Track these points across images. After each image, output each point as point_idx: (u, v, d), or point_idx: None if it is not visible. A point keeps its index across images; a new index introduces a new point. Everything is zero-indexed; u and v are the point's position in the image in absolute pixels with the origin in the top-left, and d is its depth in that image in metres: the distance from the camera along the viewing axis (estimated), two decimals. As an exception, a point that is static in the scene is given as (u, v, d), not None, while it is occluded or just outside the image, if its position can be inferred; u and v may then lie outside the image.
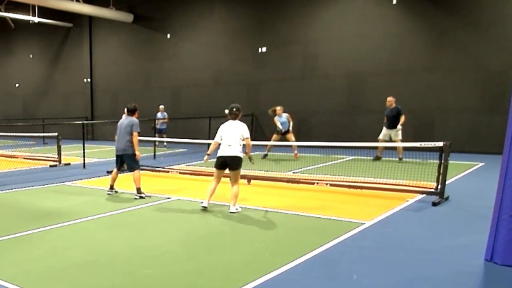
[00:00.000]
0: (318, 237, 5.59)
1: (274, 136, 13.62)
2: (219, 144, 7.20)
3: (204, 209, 7.11)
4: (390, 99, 12.63)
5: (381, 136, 12.68)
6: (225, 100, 19.06)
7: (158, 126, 17.35)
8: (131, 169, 8.40)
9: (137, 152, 8.29)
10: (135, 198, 8.14)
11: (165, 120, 18.20)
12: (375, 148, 12.88)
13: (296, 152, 13.38)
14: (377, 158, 12.75)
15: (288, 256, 4.89)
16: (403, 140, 12.24)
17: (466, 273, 4.48)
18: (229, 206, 7.09)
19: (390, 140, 12.50)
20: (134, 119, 8.38)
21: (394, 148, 12.62)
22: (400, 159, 12.32)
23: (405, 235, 5.77)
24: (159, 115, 18.36)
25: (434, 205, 7.25)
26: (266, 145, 13.69)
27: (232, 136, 7.05)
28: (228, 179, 9.52)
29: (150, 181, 9.76)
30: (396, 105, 12.54)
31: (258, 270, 4.51)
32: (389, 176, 9.22)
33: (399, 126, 12.31)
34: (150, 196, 8.25)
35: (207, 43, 19.73)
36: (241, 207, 7.21)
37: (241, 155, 7.04)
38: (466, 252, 5.06)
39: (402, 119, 12.38)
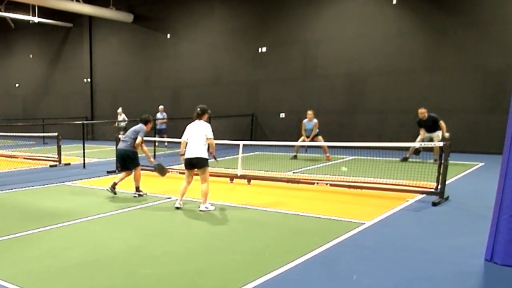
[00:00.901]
0: (318, 237, 5.60)
1: (302, 137, 13.41)
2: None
3: (178, 209, 7.25)
4: (422, 110, 12.23)
5: (418, 139, 12.32)
6: (225, 100, 19.11)
7: (157, 127, 17.37)
8: (131, 168, 8.43)
9: (151, 159, 8.75)
10: (134, 196, 8.26)
11: (164, 121, 18.20)
12: (375, 148, 12.81)
13: (327, 154, 13.15)
14: (418, 152, 12.54)
15: (288, 256, 4.89)
16: (409, 140, 12.03)
17: (466, 273, 4.48)
18: (200, 204, 7.23)
19: (432, 141, 12.06)
20: (144, 127, 8.49)
21: (403, 148, 12.35)
22: (436, 160, 12.03)
23: (405, 235, 5.78)
24: (158, 115, 18.37)
25: (434, 205, 7.24)
26: (266, 145, 13.69)
27: (196, 137, 7.22)
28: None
29: (150, 181, 9.76)
30: (428, 113, 12.20)
31: (258, 270, 4.51)
32: (389, 176, 9.22)
33: (445, 134, 11.92)
34: (146, 194, 8.39)
35: (207, 43, 19.73)
36: (213, 205, 7.26)
37: (205, 155, 7.18)
38: (466, 252, 5.06)
39: (443, 125, 12.03)
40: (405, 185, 8.26)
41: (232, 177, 9.74)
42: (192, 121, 7.49)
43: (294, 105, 17.27)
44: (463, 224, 6.30)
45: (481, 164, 11.81)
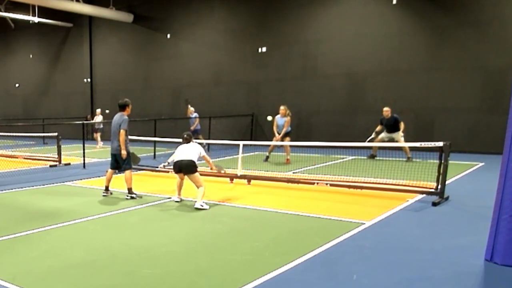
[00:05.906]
0: (318, 237, 5.60)
1: (274, 138, 13.37)
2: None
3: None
4: (387, 109, 12.72)
5: (379, 137, 12.75)
6: (225, 100, 19.11)
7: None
8: (123, 169, 8.27)
9: (122, 151, 8.02)
10: (126, 198, 8.07)
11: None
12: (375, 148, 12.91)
13: (288, 157, 12.83)
14: (372, 156, 12.82)
15: (288, 256, 4.89)
16: (405, 140, 12.27)
17: (466, 273, 4.48)
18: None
19: (393, 141, 12.52)
20: (124, 116, 8.12)
21: (399, 149, 12.55)
22: (409, 158, 12.30)
23: (405, 235, 5.78)
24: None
25: (434, 205, 7.25)
26: (267, 145, 13.66)
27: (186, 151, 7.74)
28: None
29: (150, 181, 9.76)
30: (392, 114, 12.63)
31: (258, 270, 4.51)
32: (389, 176, 9.22)
33: (401, 133, 12.40)
34: (141, 197, 8.19)
35: (207, 43, 19.73)
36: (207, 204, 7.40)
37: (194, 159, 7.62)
38: (466, 252, 5.06)
39: (402, 126, 12.49)
40: (405, 185, 8.26)
41: (232, 177, 9.73)
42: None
43: (294, 105, 17.23)
44: (463, 224, 6.30)
45: (481, 164, 11.81)
